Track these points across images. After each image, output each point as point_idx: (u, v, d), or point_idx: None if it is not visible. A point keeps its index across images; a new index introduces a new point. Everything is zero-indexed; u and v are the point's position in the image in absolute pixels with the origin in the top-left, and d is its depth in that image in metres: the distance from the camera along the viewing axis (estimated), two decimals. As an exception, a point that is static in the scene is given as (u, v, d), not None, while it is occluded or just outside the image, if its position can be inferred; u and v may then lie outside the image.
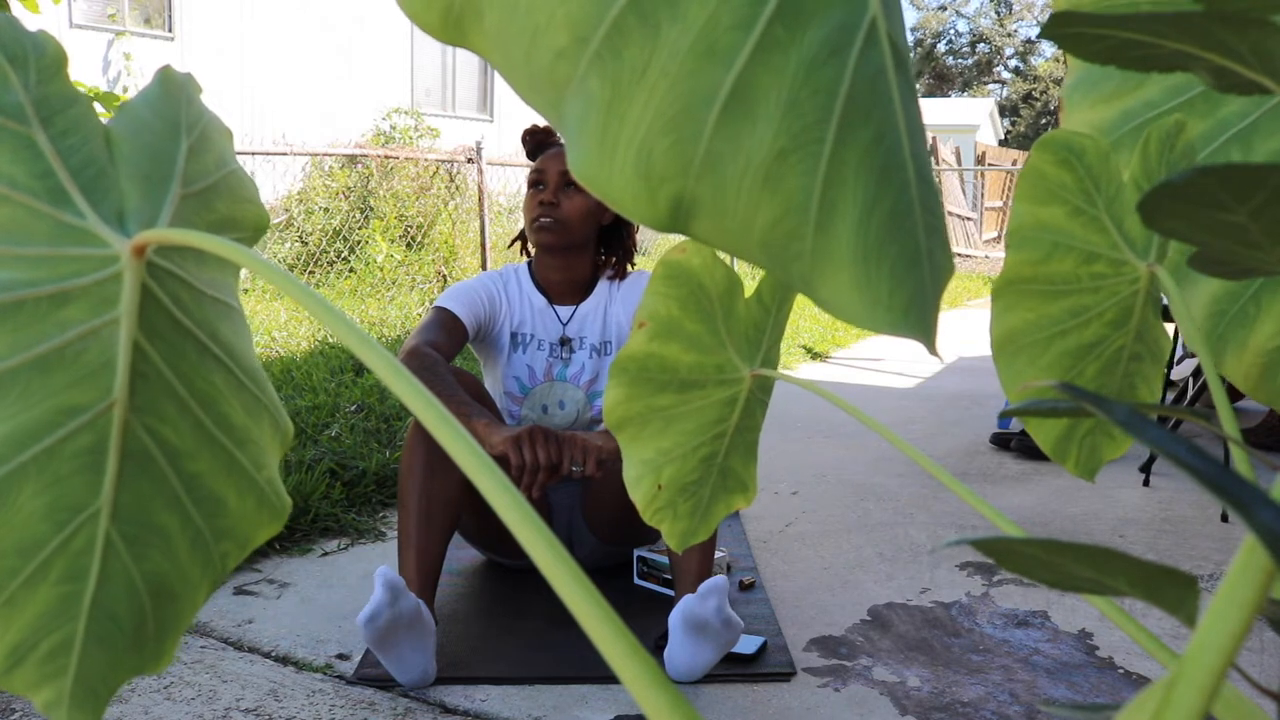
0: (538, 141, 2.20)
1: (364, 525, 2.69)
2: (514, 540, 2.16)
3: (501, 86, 11.56)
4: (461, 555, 2.47)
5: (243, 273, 6.02)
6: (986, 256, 14.46)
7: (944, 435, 4.00)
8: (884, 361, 5.94)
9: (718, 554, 2.30)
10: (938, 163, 14.32)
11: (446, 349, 2.03)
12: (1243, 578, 0.35)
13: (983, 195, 16.30)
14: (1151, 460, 3.29)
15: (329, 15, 9.80)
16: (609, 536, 2.27)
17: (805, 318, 6.97)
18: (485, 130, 10.88)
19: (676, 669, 1.83)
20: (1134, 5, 0.75)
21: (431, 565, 1.92)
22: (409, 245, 7.83)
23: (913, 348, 6.43)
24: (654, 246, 10.48)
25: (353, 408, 3.63)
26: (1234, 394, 3.71)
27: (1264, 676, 1.91)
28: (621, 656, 0.40)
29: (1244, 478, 0.32)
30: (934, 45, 44.23)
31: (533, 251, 2.25)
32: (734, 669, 1.90)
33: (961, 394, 4.90)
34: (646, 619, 2.09)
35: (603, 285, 2.24)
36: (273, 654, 1.95)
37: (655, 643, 1.94)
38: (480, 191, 7.57)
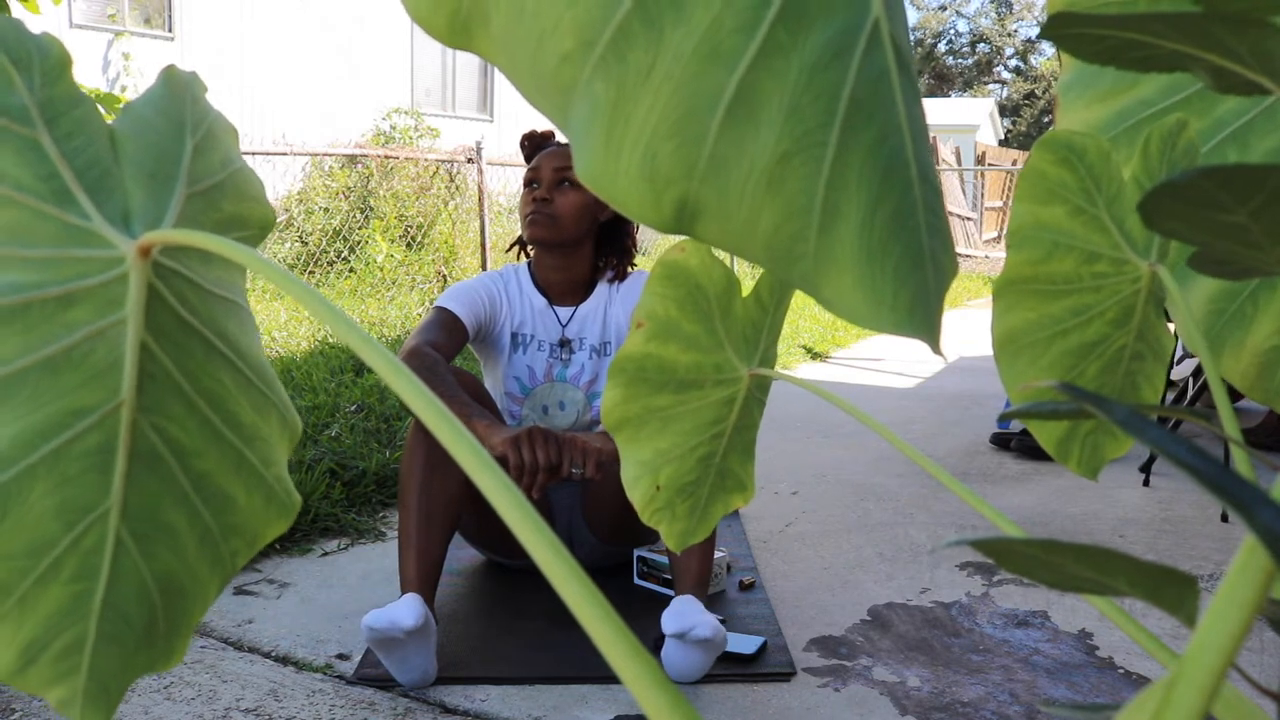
0: (535, 146, 2.21)
1: (364, 525, 2.69)
2: (514, 540, 2.16)
3: (502, 86, 11.56)
4: (462, 555, 2.47)
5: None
6: (987, 256, 14.46)
7: (944, 435, 4.00)
8: (884, 361, 5.94)
9: (718, 554, 2.30)
10: (938, 163, 14.32)
11: (447, 349, 2.03)
12: (1243, 578, 0.35)
13: (983, 195, 16.30)
14: (1152, 460, 3.29)
15: (329, 15, 9.80)
16: (609, 536, 2.27)
17: (805, 318, 6.97)
18: (485, 130, 10.88)
19: (675, 670, 1.83)
20: (1131, 5, 0.75)
21: (432, 565, 1.92)
22: (409, 245, 7.83)
23: (913, 348, 6.43)
24: (654, 246, 10.47)
25: (353, 408, 3.63)
26: (1234, 394, 3.71)
27: (1264, 676, 1.91)
28: (622, 656, 0.40)
29: (1244, 478, 0.32)
30: (934, 45, 44.22)
31: (531, 252, 2.26)
32: (734, 669, 1.90)
33: (961, 394, 4.90)
34: (646, 619, 2.09)
35: (602, 286, 2.25)
36: (273, 654, 1.95)
37: (655, 643, 1.94)
38: (480, 191, 7.57)
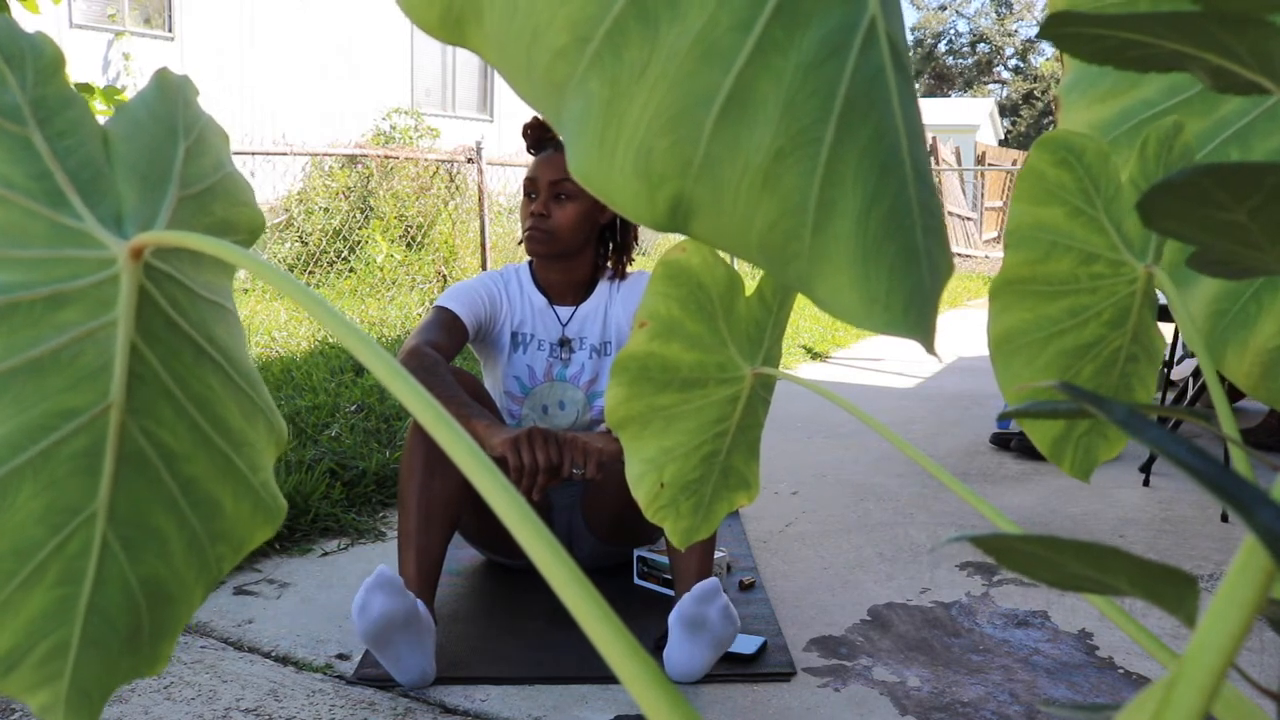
0: (538, 136, 2.19)
1: (364, 525, 2.69)
2: (514, 540, 2.16)
3: (501, 86, 11.56)
4: (461, 555, 2.47)
5: (243, 273, 6.03)
6: (986, 256, 14.47)
7: (944, 435, 4.00)
8: (884, 361, 5.94)
9: (718, 554, 2.30)
10: (938, 163, 14.32)
11: (447, 349, 2.03)
12: (1242, 577, 0.35)
13: (983, 195, 16.31)
14: (1151, 460, 3.29)
15: (329, 15, 9.80)
16: (609, 536, 2.27)
17: (805, 318, 6.97)
18: (485, 130, 10.88)
19: (676, 669, 1.83)
20: (1131, 4, 0.75)
21: (431, 565, 1.92)
22: (409, 245, 7.82)
23: (912, 348, 6.43)
24: (654, 247, 10.47)
25: (353, 408, 3.63)
26: (1234, 394, 3.71)
27: (1264, 676, 1.91)
28: (621, 656, 0.40)
29: (1244, 478, 0.31)
30: (934, 45, 44.19)
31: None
32: (734, 669, 1.90)
33: (961, 394, 4.90)
34: (646, 619, 2.09)
35: (603, 286, 2.24)
36: (273, 654, 1.95)
37: (655, 643, 1.94)
38: (480, 191, 7.57)
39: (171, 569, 0.57)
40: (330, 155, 8.02)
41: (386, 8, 10.20)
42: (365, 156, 8.00)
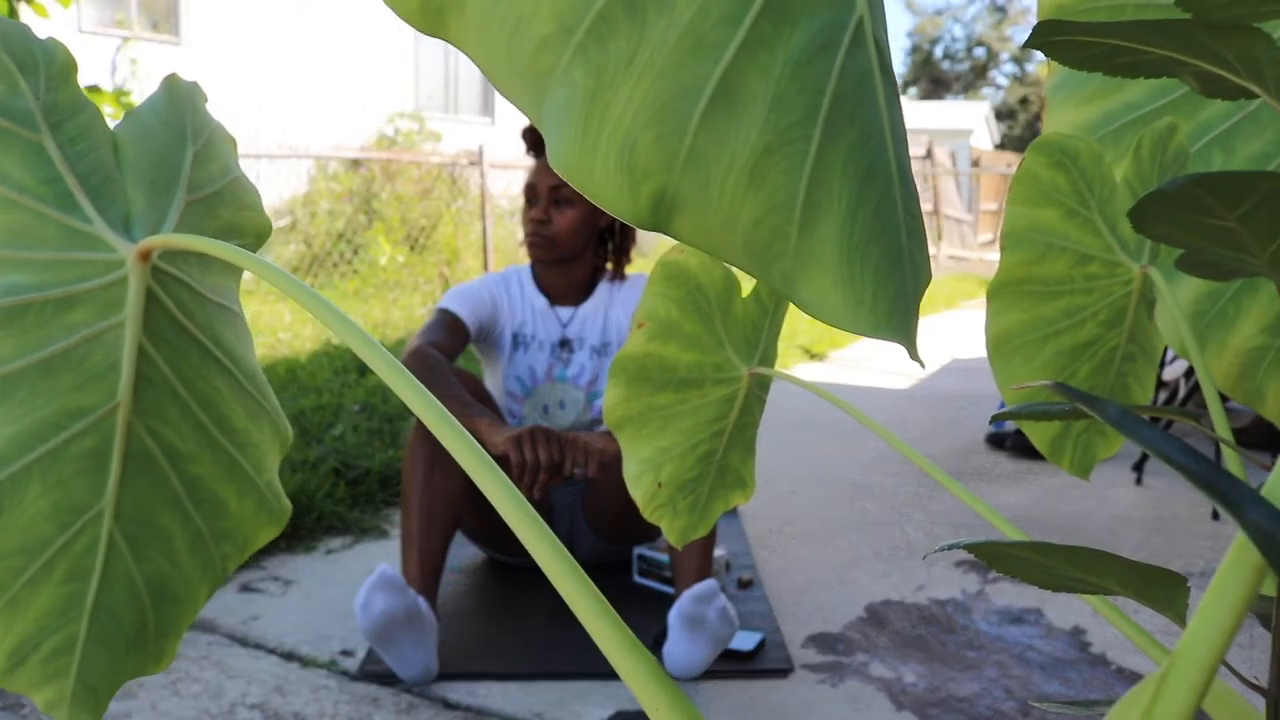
0: (538, 138, 2.20)
1: (368, 523, 2.70)
2: (515, 538, 2.16)
3: (503, 87, 11.53)
4: (463, 553, 2.48)
5: (248, 275, 6.02)
6: (982, 259, 14.48)
7: (940, 435, 4.00)
8: (880, 362, 5.94)
9: (717, 552, 2.31)
10: (933, 166, 14.33)
11: (449, 349, 2.05)
12: (1233, 575, 0.36)
13: (978, 198, 16.33)
14: (1144, 460, 3.30)
15: (334, 20, 9.80)
16: (609, 534, 2.27)
17: (803, 318, 6.97)
18: (488, 133, 10.88)
19: (675, 666, 1.84)
20: (1118, 10, 0.76)
21: (434, 563, 1.93)
22: (412, 247, 7.83)
23: (912, 347, 6.41)
24: (653, 248, 10.47)
25: (356, 407, 3.64)
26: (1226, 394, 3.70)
27: (1253, 672, 1.91)
28: (621, 653, 0.41)
29: (1235, 477, 0.32)
30: (931, 50, 44.11)
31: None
32: (732, 665, 1.90)
33: (957, 394, 4.90)
34: (646, 616, 2.09)
35: (603, 287, 2.26)
36: (278, 650, 1.96)
37: (654, 640, 1.95)
38: (483, 194, 7.58)
39: (176, 567, 0.58)
40: (334, 158, 8.03)
41: (390, 12, 10.18)
42: (369, 160, 8.01)
